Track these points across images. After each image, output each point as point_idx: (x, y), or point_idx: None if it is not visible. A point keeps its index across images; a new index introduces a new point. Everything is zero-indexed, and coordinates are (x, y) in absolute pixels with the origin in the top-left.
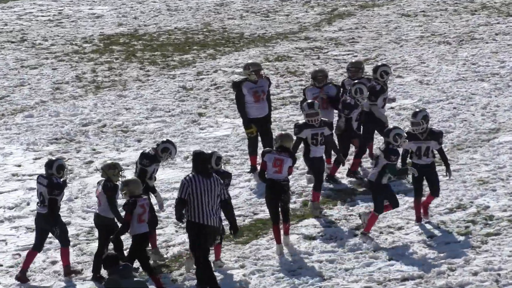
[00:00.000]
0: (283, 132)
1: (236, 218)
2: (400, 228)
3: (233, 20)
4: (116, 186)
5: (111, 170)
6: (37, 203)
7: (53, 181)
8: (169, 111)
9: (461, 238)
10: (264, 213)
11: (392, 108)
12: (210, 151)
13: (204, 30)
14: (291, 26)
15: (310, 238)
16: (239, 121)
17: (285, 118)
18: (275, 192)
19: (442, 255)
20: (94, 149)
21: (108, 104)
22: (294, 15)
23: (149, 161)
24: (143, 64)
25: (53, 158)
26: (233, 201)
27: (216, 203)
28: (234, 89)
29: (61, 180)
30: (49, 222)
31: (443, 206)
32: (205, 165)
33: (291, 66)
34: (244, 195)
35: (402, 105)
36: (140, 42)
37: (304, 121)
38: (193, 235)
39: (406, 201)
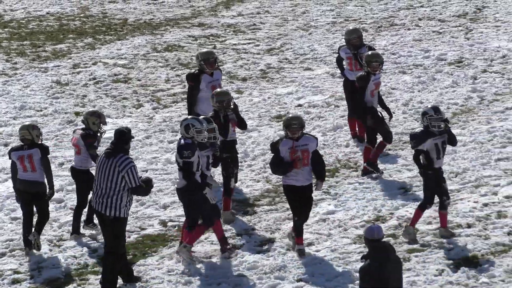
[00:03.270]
0: None
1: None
2: (310, 244)
3: (115, 3)
4: (96, 135)
5: (92, 117)
6: None
7: None
8: (41, 110)
9: None
10: (153, 228)
11: (300, 105)
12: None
13: (81, 15)
14: (183, 11)
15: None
16: (121, 121)
17: (177, 117)
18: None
19: (357, 275)
20: None
21: None
22: None
23: (190, 151)
24: (9, 56)
25: None
26: None
27: (110, 188)
28: (190, 82)
29: None
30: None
31: (359, 218)
32: (119, 145)
33: (183, 57)
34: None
35: (311, 102)
36: (5, 30)
37: None
38: None
39: (316, 213)
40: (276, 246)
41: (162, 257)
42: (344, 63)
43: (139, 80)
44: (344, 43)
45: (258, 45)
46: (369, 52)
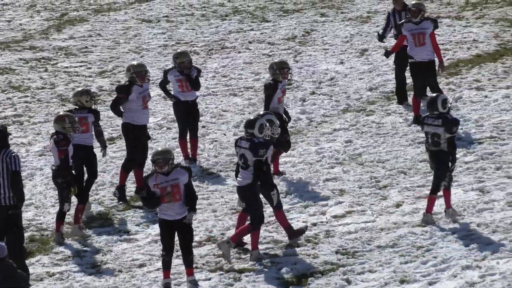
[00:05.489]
0: None
1: None
2: (142, 266)
3: None
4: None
5: (83, 96)
6: None
7: None
8: None
9: (212, 275)
10: None
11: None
12: None
13: None
14: (14, 34)
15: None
16: None
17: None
18: None
19: None
20: None
21: None
22: (17, 21)
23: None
24: None
25: None
26: None
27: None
28: (120, 94)
29: None
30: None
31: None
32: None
33: (14, 80)
34: None
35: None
36: None
37: None
38: None
39: (148, 234)
40: (108, 267)
41: None
42: (175, 86)
43: None
44: (172, 67)
45: (90, 68)
46: (277, 60)
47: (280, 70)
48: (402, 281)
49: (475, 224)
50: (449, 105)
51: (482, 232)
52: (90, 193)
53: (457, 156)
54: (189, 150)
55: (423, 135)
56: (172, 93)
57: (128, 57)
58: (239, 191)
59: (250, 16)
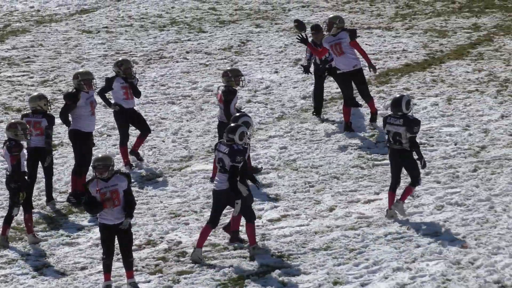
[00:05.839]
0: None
1: None
2: (83, 268)
3: None
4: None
5: (42, 101)
6: None
7: None
8: None
9: (152, 277)
10: None
11: None
12: None
13: None
14: None
15: None
16: None
17: None
18: None
19: None
20: None
21: None
22: None
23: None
24: None
25: None
26: None
27: None
28: (69, 101)
29: None
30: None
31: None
32: None
33: None
34: None
35: None
36: None
37: None
38: None
39: (89, 238)
40: (51, 270)
41: None
42: (120, 93)
43: None
44: (115, 75)
45: (32, 77)
46: (231, 68)
47: (235, 77)
48: (335, 283)
49: (405, 227)
50: (412, 107)
51: (412, 235)
52: (33, 198)
53: (389, 161)
54: (129, 157)
55: (356, 142)
56: (113, 101)
57: (69, 66)
58: (215, 194)
59: (187, 27)
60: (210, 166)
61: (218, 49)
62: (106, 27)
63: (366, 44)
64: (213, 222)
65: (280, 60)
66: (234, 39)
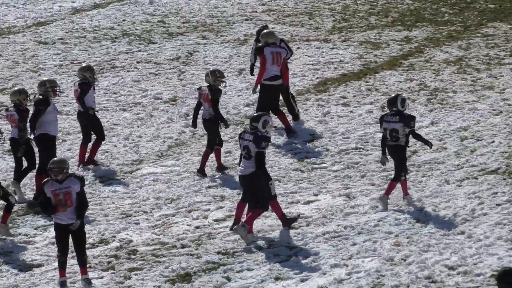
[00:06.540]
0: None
1: None
2: (40, 265)
3: None
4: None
5: (22, 95)
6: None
7: None
8: None
9: (104, 274)
10: None
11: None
12: None
13: None
14: None
15: None
16: None
17: None
18: None
19: None
20: None
21: None
22: None
23: (267, 143)
24: None
25: None
26: None
27: None
28: (40, 106)
29: None
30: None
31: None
32: None
33: None
34: None
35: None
36: None
37: None
38: None
39: (45, 237)
40: (9, 267)
41: None
42: (92, 97)
43: None
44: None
45: None
46: (214, 69)
47: (221, 78)
48: (277, 278)
49: (342, 227)
50: (407, 105)
51: (349, 234)
52: None
53: (327, 165)
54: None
55: (300, 146)
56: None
57: (27, 75)
58: (242, 179)
59: (138, 38)
60: (159, 169)
61: (167, 59)
62: (62, 39)
63: (305, 55)
64: (244, 199)
65: (225, 70)
66: (182, 50)
